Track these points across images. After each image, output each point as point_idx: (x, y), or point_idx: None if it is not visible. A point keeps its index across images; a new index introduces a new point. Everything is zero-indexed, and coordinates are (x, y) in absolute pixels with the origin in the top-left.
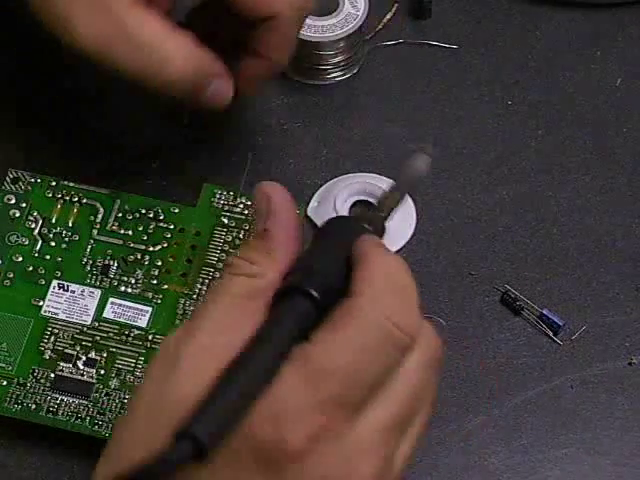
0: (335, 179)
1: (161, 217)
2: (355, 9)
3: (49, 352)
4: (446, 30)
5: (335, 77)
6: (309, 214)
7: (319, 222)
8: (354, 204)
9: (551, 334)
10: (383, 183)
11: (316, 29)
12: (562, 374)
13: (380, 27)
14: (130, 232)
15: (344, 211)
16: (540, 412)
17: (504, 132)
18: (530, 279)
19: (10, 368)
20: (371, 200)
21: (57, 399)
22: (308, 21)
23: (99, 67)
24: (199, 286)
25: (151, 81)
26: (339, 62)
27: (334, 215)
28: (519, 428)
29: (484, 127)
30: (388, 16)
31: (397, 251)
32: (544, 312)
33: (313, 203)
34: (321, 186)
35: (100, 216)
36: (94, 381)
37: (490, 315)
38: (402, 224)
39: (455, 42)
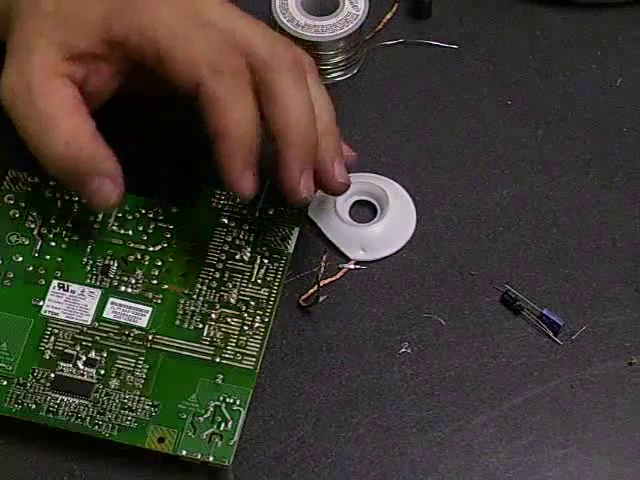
0: None
1: (161, 217)
2: (355, 9)
3: (49, 352)
4: (446, 30)
5: (335, 77)
6: (309, 214)
7: (319, 222)
8: (354, 204)
9: (551, 334)
10: (383, 183)
11: (316, 29)
12: (562, 374)
13: (380, 27)
14: (130, 232)
15: (344, 211)
16: (540, 412)
17: (504, 132)
18: (530, 279)
19: (10, 368)
20: (371, 200)
21: (57, 399)
22: (308, 21)
23: None
24: (199, 286)
25: (33, 150)
26: (339, 62)
27: (334, 215)
28: (519, 428)
29: (484, 127)
30: (388, 16)
31: (397, 251)
32: (544, 312)
33: (313, 203)
34: None
35: (100, 216)
36: (94, 381)
37: (490, 315)
38: (402, 224)
39: (455, 42)
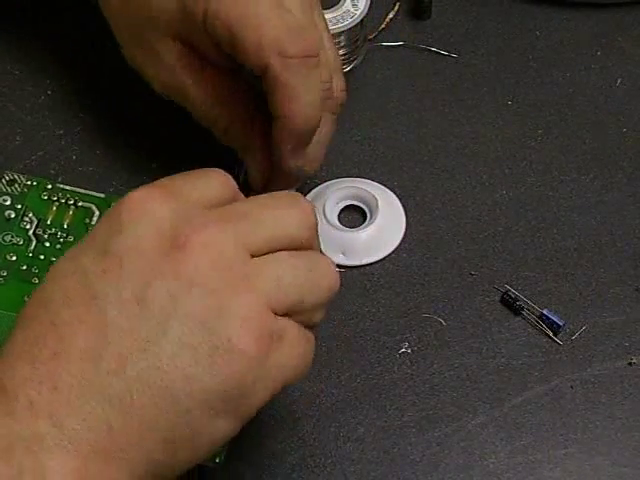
0: (326, 183)
1: None
2: (355, 8)
3: None
4: (446, 30)
5: None
6: None
7: None
8: (346, 208)
9: (551, 334)
10: (375, 189)
11: None
12: (562, 374)
13: (383, 26)
14: None
15: (333, 214)
16: (540, 412)
17: (504, 132)
18: (530, 279)
19: None
20: (362, 206)
21: None
22: None
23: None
24: None
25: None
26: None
27: (321, 216)
28: (519, 428)
29: (484, 127)
30: (391, 15)
31: (393, 252)
32: (544, 312)
33: None
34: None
35: (95, 219)
36: None
37: (490, 315)
38: (388, 235)
39: (455, 42)
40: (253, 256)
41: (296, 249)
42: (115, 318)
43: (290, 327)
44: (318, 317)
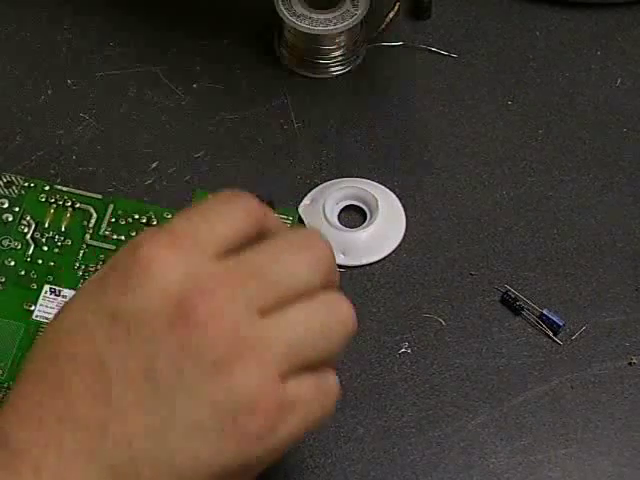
0: (325, 183)
1: (154, 222)
2: (355, 8)
3: None
4: (446, 30)
5: (334, 71)
6: (300, 213)
7: (307, 221)
8: (346, 208)
9: (551, 334)
10: (375, 189)
11: (311, 21)
12: (562, 374)
13: (383, 26)
14: (123, 237)
15: (333, 214)
16: (540, 412)
17: (504, 132)
18: (530, 279)
19: (0, 373)
20: (362, 206)
21: None
22: (304, 12)
23: None
24: None
25: None
26: (338, 57)
27: (321, 216)
28: (519, 428)
29: (484, 127)
30: (391, 15)
31: (392, 252)
32: (544, 312)
33: (305, 201)
34: (316, 187)
35: (93, 221)
36: None
37: (490, 315)
38: (388, 235)
39: (455, 42)
40: (264, 313)
41: (311, 294)
42: (121, 391)
43: (304, 389)
44: (337, 358)
